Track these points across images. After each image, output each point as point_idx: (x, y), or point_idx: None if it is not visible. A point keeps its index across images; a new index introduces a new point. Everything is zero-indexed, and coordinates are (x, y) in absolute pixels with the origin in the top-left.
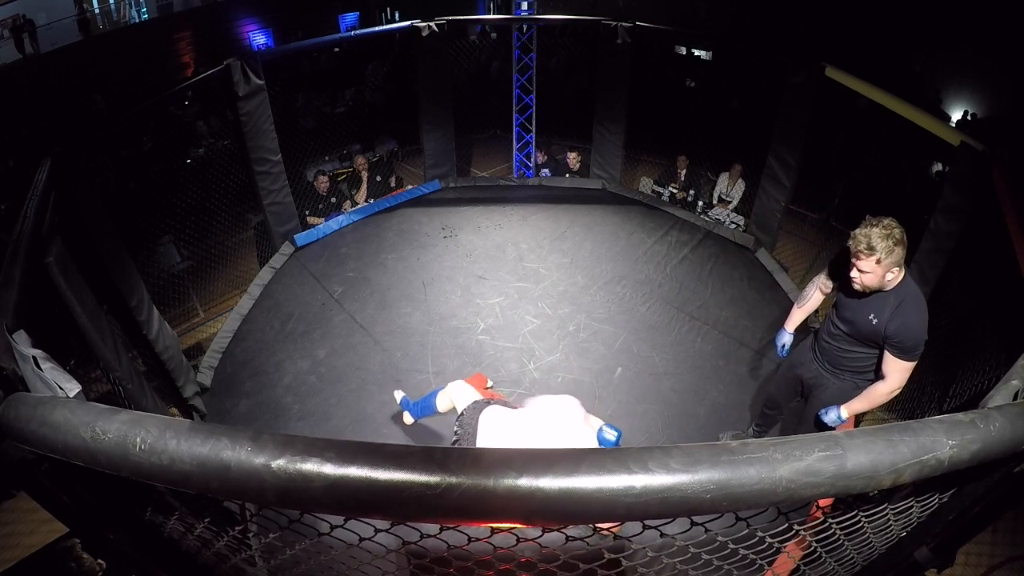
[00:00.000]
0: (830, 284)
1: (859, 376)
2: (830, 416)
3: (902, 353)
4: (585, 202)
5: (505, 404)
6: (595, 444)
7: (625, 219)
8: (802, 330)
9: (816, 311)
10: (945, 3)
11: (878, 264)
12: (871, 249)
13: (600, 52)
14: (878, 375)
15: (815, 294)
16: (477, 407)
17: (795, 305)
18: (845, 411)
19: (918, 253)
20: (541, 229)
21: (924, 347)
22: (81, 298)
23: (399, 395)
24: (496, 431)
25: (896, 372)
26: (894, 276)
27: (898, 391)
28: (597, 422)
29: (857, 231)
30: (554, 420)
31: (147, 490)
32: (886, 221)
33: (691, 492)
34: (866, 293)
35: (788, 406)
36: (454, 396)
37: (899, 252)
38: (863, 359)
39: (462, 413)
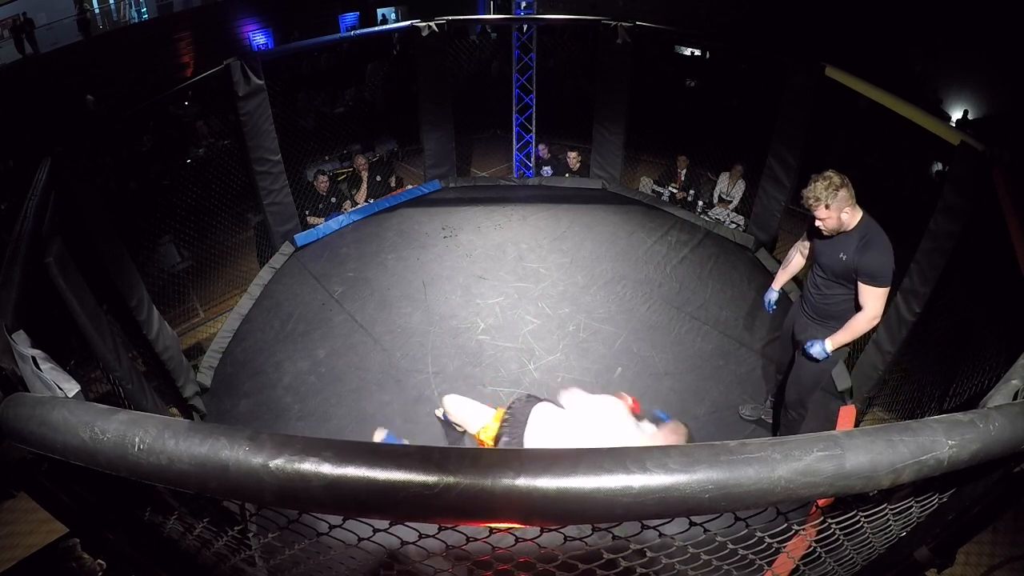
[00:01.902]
0: (807, 244)
1: (840, 322)
2: (815, 348)
3: (872, 280)
4: (585, 202)
5: (553, 402)
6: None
7: (625, 219)
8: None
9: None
10: (945, 3)
11: (828, 208)
12: (817, 199)
13: (600, 52)
14: (859, 310)
15: (796, 256)
16: (529, 400)
17: (780, 267)
18: (830, 343)
19: (918, 253)
20: (541, 229)
21: (893, 276)
22: (81, 298)
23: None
24: (546, 428)
25: (871, 300)
26: (849, 215)
27: (877, 320)
28: (648, 426)
29: (804, 191)
30: (604, 423)
31: (146, 490)
32: (826, 173)
33: (689, 492)
34: (833, 236)
35: None
36: (455, 413)
37: (843, 194)
38: (842, 300)
39: (512, 403)
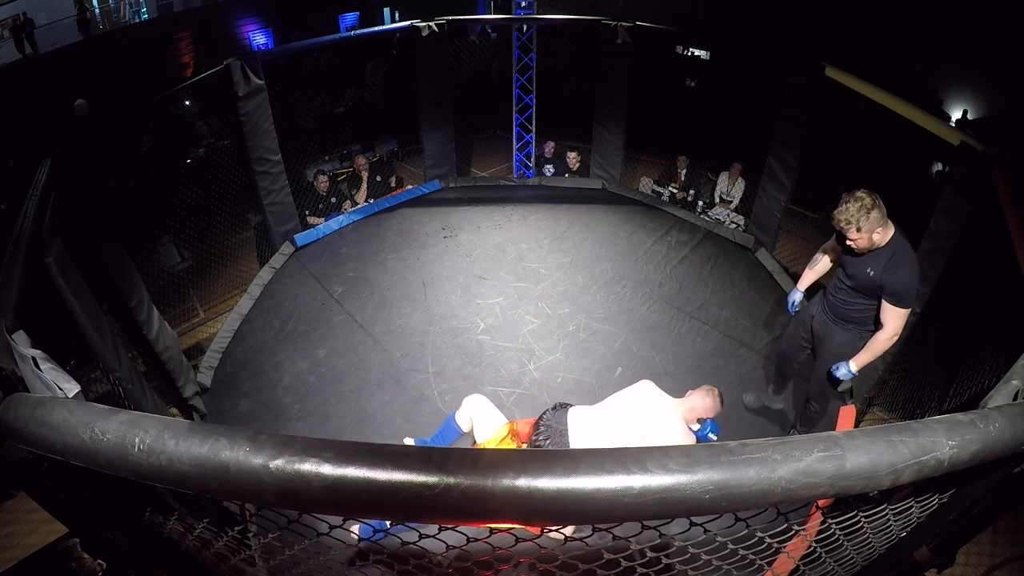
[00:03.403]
0: (838, 248)
1: (862, 327)
2: (841, 371)
3: (897, 300)
4: (585, 202)
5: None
6: (686, 424)
7: (625, 219)
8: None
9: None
10: (945, 3)
11: (859, 231)
12: (849, 223)
13: (600, 52)
14: (878, 325)
15: (824, 259)
16: (560, 408)
17: (807, 268)
18: (854, 365)
19: (918, 253)
20: (541, 229)
21: (916, 296)
22: (81, 298)
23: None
24: (588, 428)
25: (893, 319)
26: (881, 235)
27: (896, 337)
28: (691, 401)
29: (835, 212)
30: (641, 406)
31: (146, 490)
32: (857, 193)
33: (690, 493)
34: (864, 252)
35: (798, 360)
36: (473, 412)
37: (875, 215)
38: (864, 310)
39: (542, 416)
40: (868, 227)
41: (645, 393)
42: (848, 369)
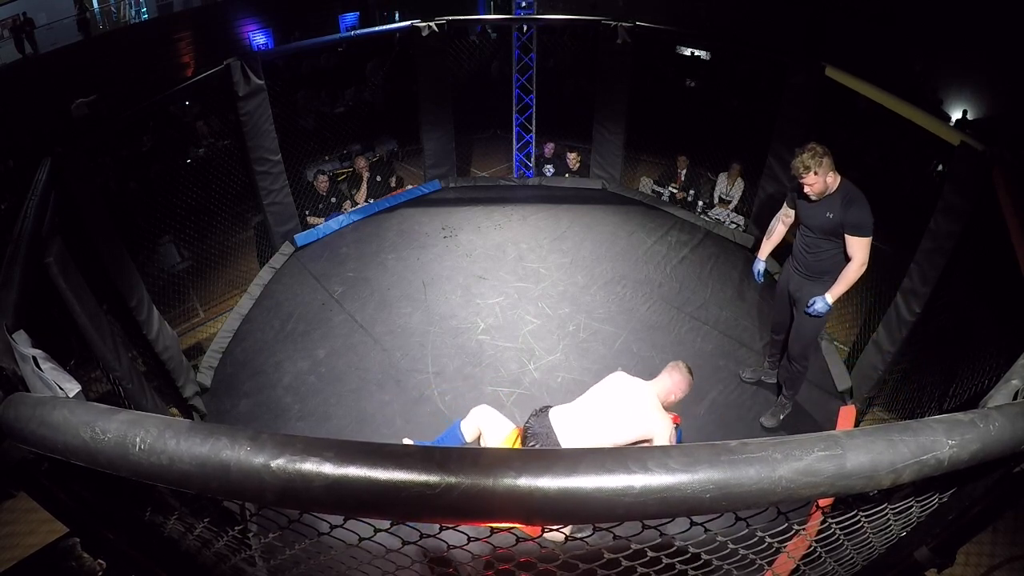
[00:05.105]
0: (791, 213)
1: (832, 276)
2: (818, 304)
3: (858, 231)
4: (585, 202)
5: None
6: (663, 407)
7: (625, 219)
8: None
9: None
10: (945, 3)
11: (816, 175)
12: (807, 168)
13: (600, 52)
14: (846, 262)
15: (779, 227)
16: (540, 413)
17: (764, 238)
18: (830, 296)
19: (918, 253)
20: (541, 229)
21: (873, 228)
22: (81, 298)
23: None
24: (573, 427)
25: (859, 249)
26: (833, 179)
27: (864, 267)
28: (662, 382)
29: (793, 163)
30: (618, 397)
31: (147, 490)
32: (808, 145)
33: (690, 492)
34: (819, 200)
35: (788, 330)
36: (481, 421)
37: (827, 161)
38: (832, 255)
39: (527, 425)
40: (822, 171)
41: (620, 383)
42: (824, 302)
